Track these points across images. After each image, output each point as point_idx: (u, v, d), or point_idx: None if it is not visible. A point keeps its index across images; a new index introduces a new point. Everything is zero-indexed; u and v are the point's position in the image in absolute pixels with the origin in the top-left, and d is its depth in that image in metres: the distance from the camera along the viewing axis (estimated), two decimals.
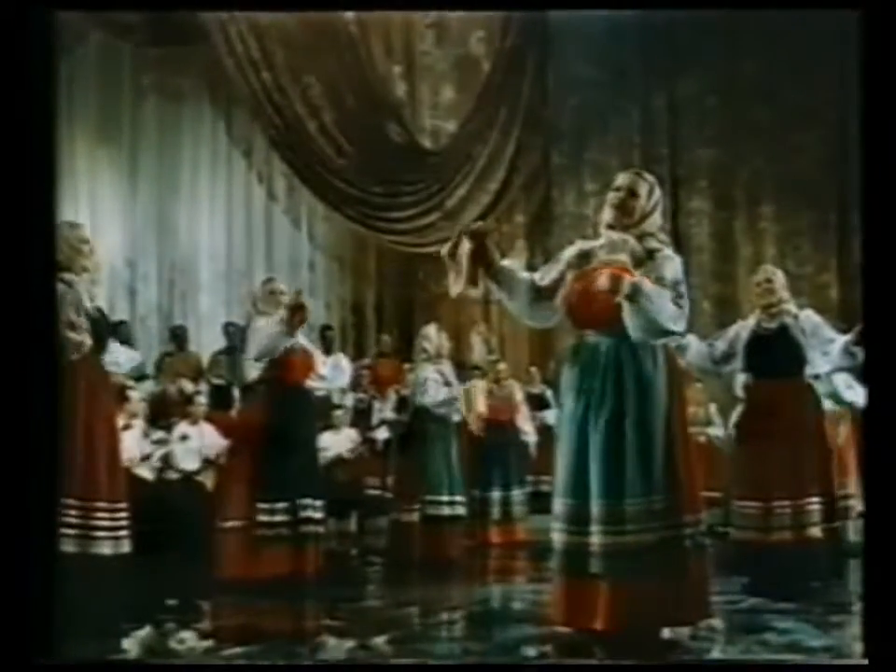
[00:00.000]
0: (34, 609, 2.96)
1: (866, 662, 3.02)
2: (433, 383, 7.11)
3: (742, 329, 5.87)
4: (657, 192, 4.11)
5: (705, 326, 9.14)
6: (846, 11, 3.41)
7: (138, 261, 11.76)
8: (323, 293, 12.31)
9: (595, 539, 3.89)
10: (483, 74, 11.76)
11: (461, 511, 7.19)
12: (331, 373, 6.46)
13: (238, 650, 4.09)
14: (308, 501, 5.90)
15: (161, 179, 12.00)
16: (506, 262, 4.18)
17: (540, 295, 4.15)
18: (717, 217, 11.47)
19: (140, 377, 8.64)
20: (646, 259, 3.97)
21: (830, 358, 5.71)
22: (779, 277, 5.94)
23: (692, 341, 5.78)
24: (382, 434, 9.77)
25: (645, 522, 3.87)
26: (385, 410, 10.01)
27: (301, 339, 6.18)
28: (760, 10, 8.73)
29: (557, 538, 4.02)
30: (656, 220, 4.11)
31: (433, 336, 7.29)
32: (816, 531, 5.65)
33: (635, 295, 3.81)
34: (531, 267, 12.29)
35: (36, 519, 3.00)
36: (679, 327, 3.93)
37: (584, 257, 4.12)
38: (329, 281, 12.31)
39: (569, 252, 4.19)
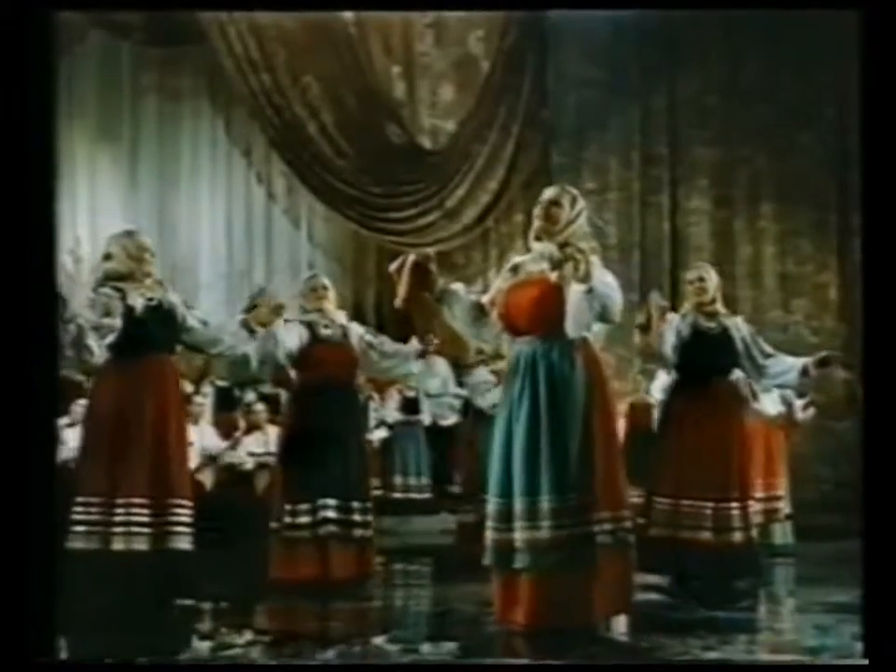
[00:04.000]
0: (34, 608, 2.97)
1: (866, 662, 3.02)
2: (491, 385, 7.16)
3: (679, 322, 5.86)
4: (580, 203, 4.34)
5: None
6: (846, 11, 3.42)
7: None
8: None
9: (517, 534, 4.10)
10: (483, 73, 11.73)
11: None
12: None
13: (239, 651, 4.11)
14: (326, 502, 5.72)
15: (160, 179, 12.00)
16: (452, 286, 4.49)
17: (483, 312, 4.44)
18: (716, 216, 11.45)
19: None
20: (565, 264, 4.14)
21: (772, 373, 5.73)
22: (712, 277, 5.98)
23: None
24: (379, 434, 9.77)
25: (558, 518, 4.05)
26: (381, 409, 10.01)
27: (336, 329, 6.16)
28: (760, 10, 8.73)
29: (488, 535, 4.21)
30: (581, 228, 4.31)
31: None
32: (731, 531, 5.67)
33: (595, 288, 4.03)
34: None
35: (38, 518, 3.00)
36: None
37: (515, 270, 4.39)
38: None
39: (505, 268, 4.50)
